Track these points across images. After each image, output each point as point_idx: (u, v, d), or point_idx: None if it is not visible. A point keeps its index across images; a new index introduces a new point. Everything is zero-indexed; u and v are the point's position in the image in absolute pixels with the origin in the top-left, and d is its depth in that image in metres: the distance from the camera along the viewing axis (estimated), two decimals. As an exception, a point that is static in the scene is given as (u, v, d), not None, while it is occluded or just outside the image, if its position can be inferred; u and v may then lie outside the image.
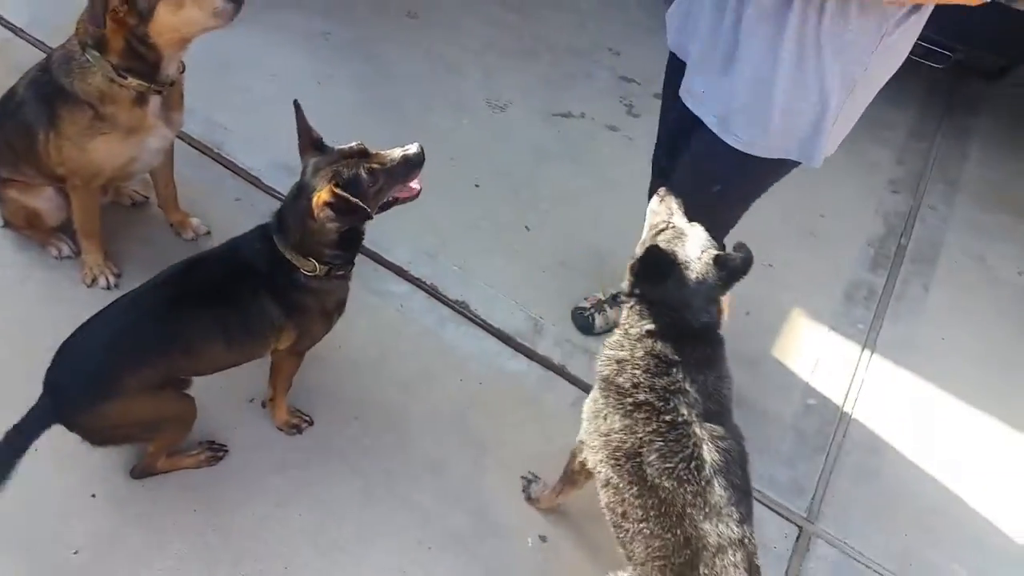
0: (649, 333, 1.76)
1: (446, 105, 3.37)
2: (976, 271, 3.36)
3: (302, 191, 1.82)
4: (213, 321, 1.88)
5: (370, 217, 1.79)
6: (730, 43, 1.87)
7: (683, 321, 1.74)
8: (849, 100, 1.86)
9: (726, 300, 1.82)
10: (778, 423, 2.64)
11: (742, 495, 1.69)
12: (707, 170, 2.06)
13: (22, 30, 3.06)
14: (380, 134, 3.08)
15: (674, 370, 1.72)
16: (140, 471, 2.09)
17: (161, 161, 2.40)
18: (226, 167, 2.87)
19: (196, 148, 2.89)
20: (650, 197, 2.43)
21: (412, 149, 1.87)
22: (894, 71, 1.90)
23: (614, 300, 2.70)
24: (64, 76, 2.07)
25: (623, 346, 1.79)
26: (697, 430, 1.68)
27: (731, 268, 1.73)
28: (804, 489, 2.48)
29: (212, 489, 2.13)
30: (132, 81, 2.06)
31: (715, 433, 1.70)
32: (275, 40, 3.40)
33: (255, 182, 2.85)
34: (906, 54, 1.87)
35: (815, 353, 2.86)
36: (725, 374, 1.80)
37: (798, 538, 2.36)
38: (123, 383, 1.81)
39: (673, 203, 1.91)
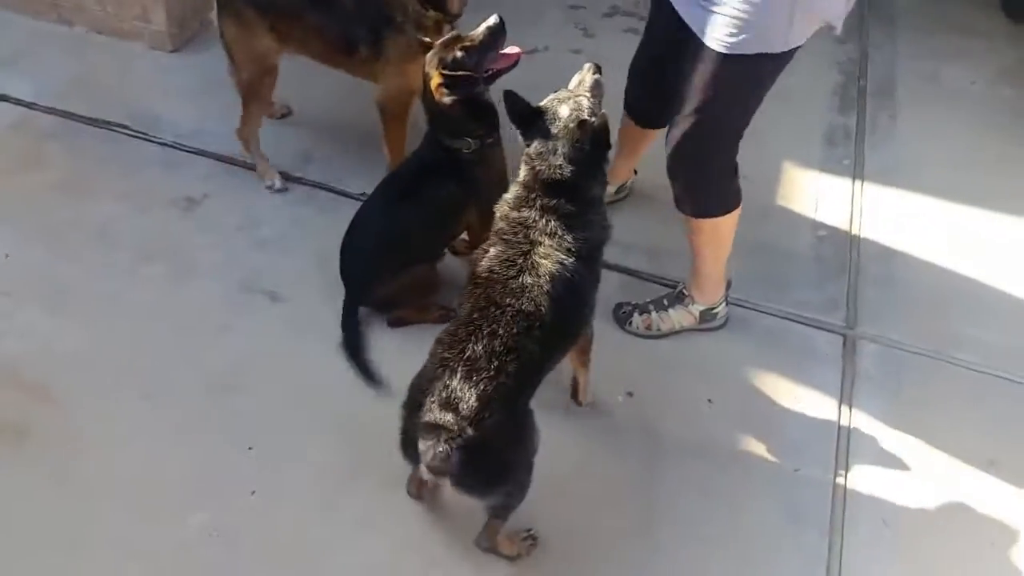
0: (520, 181, 2.04)
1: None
2: (932, 90, 3.70)
3: (426, 87, 2.36)
4: (416, 212, 2.46)
5: (478, 83, 2.31)
6: None
7: (544, 172, 1.97)
8: None
9: None
10: (799, 258, 2.95)
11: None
12: (705, 80, 2.13)
13: (34, 103, 3.29)
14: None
15: (528, 212, 1.99)
16: (395, 321, 2.61)
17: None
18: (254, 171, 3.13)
19: (224, 161, 3.16)
20: (627, 102, 2.67)
21: (491, 20, 2.33)
22: None
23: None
24: (393, 10, 2.61)
25: (512, 188, 2.09)
26: (530, 250, 1.96)
27: (592, 131, 1.95)
28: (838, 303, 2.80)
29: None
30: (432, 13, 2.59)
31: (550, 256, 1.95)
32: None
33: (284, 175, 3.10)
34: None
35: (813, 194, 3.17)
36: (588, 231, 2.01)
37: (844, 344, 2.68)
38: (382, 268, 2.48)
39: (588, 78, 2.10)
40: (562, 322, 1.98)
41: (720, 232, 2.48)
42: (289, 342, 2.56)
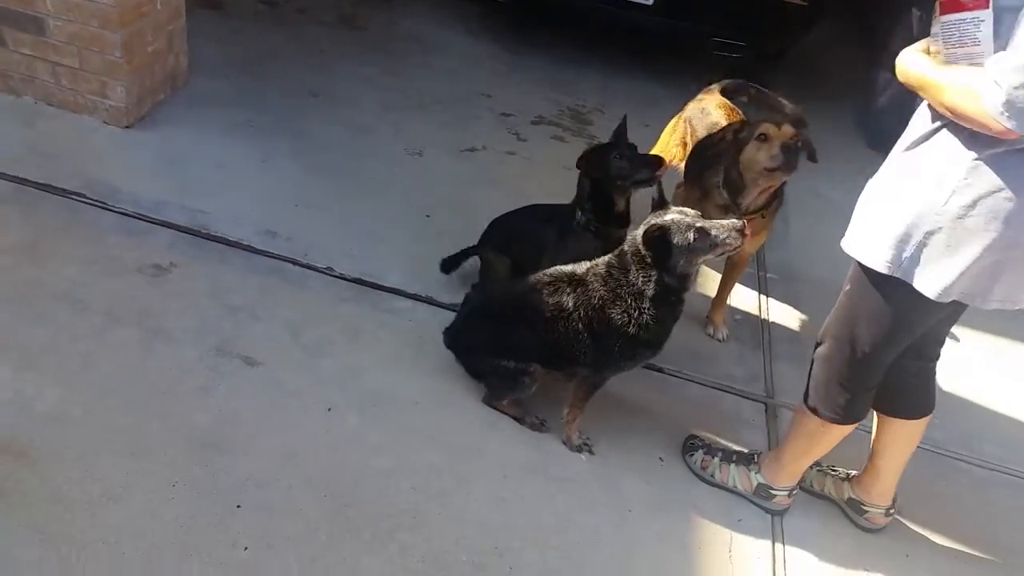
0: None
1: (374, 159, 3.89)
2: (815, 203, 4.27)
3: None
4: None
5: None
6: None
7: (626, 244, 2.50)
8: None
9: None
10: (717, 343, 3.34)
11: None
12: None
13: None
14: (329, 188, 3.61)
15: (601, 259, 2.57)
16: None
17: (729, 268, 3.27)
18: (219, 242, 3.23)
19: (188, 232, 3.23)
20: None
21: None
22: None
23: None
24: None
25: None
26: (582, 279, 2.58)
27: (650, 237, 2.35)
28: (758, 376, 3.19)
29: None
30: (724, 193, 2.89)
31: (584, 290, 2.54)
32: (207, 135, 3.77)
33: (249, 248, 3.22)
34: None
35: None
36: (613, 302, 2.47)
37: (766, 410, 3.05)
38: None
39: (726, 221, 2.38)
40: (549, 333, 2.56)
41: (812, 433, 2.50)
42: (269, 403, 2.64)
